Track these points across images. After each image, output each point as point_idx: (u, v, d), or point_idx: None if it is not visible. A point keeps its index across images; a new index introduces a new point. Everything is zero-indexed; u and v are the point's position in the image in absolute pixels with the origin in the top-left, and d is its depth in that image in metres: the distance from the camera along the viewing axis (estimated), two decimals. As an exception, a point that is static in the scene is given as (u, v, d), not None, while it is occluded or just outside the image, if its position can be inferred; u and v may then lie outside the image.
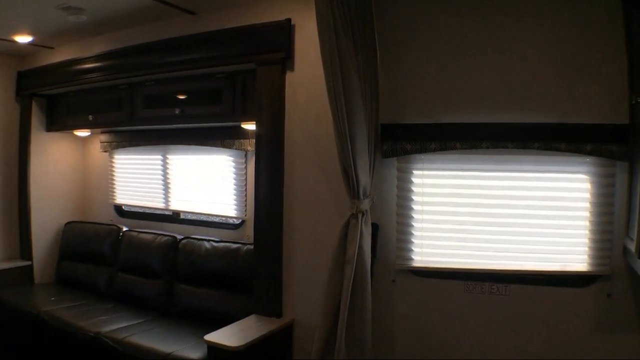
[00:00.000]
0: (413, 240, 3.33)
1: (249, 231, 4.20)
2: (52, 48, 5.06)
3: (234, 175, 4.48)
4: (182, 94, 4.21)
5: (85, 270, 5.11)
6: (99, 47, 4.58)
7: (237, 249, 4.10)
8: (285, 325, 3.48)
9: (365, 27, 3.08)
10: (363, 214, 3.06)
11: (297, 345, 3.52)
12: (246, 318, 3.54)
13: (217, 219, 4.79)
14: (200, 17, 3.92)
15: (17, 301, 4.67)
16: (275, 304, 3.54)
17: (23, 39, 4.63)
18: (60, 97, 5.26)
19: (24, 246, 5.37)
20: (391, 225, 3.35)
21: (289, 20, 3.44)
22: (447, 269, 3.26)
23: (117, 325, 4.00)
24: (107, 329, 3.92)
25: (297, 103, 3.47)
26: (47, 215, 5.44)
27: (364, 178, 3.04)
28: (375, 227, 3.25)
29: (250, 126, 3.98)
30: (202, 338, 3.27)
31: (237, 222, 4.55)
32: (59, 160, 5.58)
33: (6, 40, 4.66)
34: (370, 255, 3.13)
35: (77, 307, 4.48)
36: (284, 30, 3.44)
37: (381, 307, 3.28)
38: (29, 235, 5.32)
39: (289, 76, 3.47)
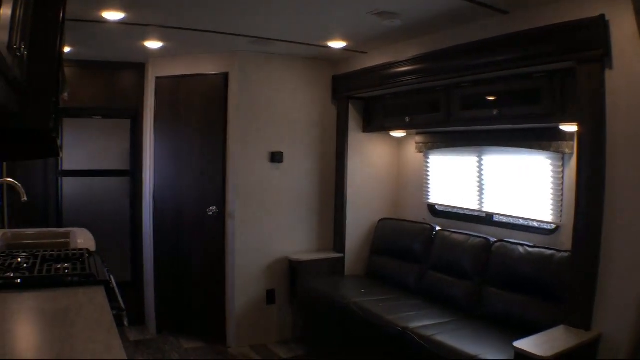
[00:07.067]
0: None
1: (564, 237, 4.15)
2: (365, 53, 5.56)
3: (551, 179, 4.42)
4: (498, 94, 4.30)
5: (395, 266, 5.53)
6: (412, 50, 4.88)
7: (551, 255, 4.04)
8: (592, 339, 3.41)
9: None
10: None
11: (600, 360, 3.46)
12: (555, 328, 3.54)
13: (529, 223, 4.76)
14: (512, 17, 3.99)
15: (330, 291, 5.28)
16: (585, 315, 3.48)
17: (337, 44, 5.17)
18: (376, 100, 5.76)
19: (338, 240, 6.01)
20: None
21: (602, 16, 3.37)
22: None
23: (424, 322, 4.25)
24: (414, 325, 4.19)
25: (617, 102, 3.38)
26: (362, 211, 6.00)
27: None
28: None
29: (568, 127, 3.95)
30: (507, 343, 3.36)
31: (551, 227, 4.49)
32: (374, 160, 6.10)
33: (322, 46, 5.27)
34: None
35: (385, 301, 4.86)
36: (599, 27, 3.38)
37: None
38: (343, 230, 5.93)
39: (608, 74, 3.40)
